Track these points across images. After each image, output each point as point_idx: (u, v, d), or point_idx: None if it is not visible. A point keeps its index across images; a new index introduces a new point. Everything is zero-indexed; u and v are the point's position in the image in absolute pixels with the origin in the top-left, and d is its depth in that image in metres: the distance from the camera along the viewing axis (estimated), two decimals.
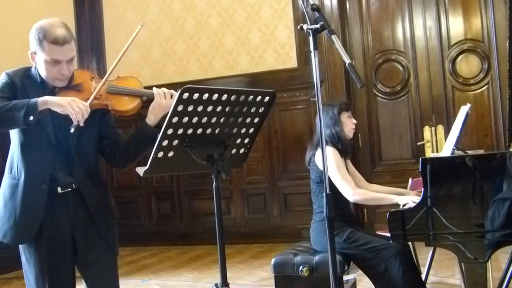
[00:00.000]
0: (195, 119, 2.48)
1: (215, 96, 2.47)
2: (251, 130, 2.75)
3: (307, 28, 2.49)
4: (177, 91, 2.46)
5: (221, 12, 8.50)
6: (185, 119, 2.46)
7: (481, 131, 7.34)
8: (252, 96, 2.62)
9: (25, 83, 2.85)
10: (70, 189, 2.85)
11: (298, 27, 2.53)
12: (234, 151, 2.75)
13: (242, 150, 2.80)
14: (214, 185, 2.58)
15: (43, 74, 2.85)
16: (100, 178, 3.05)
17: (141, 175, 2.53)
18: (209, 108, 2.49)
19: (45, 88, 2.86)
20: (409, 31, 7.72)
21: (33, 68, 2.92)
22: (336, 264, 2.45)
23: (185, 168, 2.79)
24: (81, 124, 2.68)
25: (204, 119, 2.51)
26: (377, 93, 7.88)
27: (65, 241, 2.90)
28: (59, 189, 2.84)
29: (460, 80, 7.48)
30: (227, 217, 8.24)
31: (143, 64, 8.86)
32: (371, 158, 7.90)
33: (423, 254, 5.35)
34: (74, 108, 2.65)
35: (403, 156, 7.66)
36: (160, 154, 2.48)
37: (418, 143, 7.49)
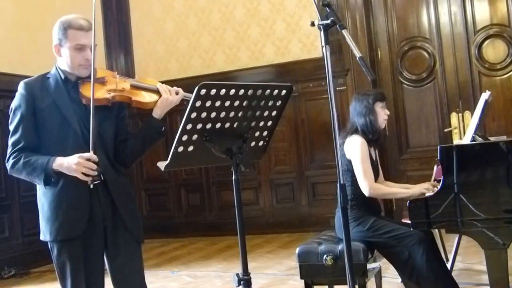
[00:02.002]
0: (213, 114, 2.54)
1: (232, 91, 2.52)
2: (270, 123, 2.79)
3: (319, 24, 2.54)
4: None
5: (245, 3, 8.55)
6: (204, 114, 2.51)
7: (509, 116, 7.29)
8: (269, 90, 2.66)
9: (46, 84, 3.01)
10: (99, 181, 2.90)
11: (310, 23, 2.58)
12: (253, 144, 2.79)
13: (261, 143, 2.84)
14: (233, 178, 2.64)
15: (67, 64, 2.99)
16: (120, 168, 3.15)
17: (162, 170, 2.60)
18: (227, 103, 2.54)
19: (68, 84, 3.01)
20: (434, 18, 7.68)
21: (53, 70, 3.06)
22: (351, 253, 2.50)
23: (205, 161, 2.85)
24: (95, 175, 2.82)
25: (222, 114, 2.57)
26: (403, 80, 7.88)
27: (98, 234, 2.98)
28: (88, 182, 2.90)
29: (486, 66, 7.44)
30: (256, 207, 8.33)
31: (170, 57, 8.96)
32: (399, 145, 7.90)
33: (451, 241, 5.36)
34: (82, 169, 2.80)
35: (430, 143, 7.61)
36: (180, 149, 2.54)
37: (445, 130, 7.47)
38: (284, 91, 2.73)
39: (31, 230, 6.88)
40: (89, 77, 2.95)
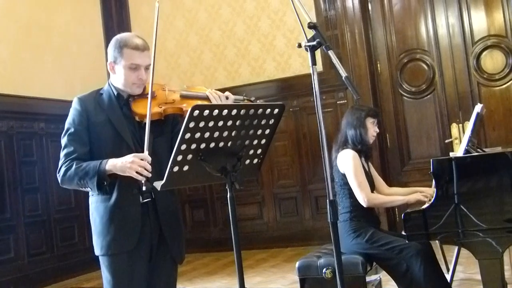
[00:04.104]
0: (207, 134, 2.58)
1: (225, 111, 2.58)
2: (263, 141, 2.84)
3: (305, 45, 2.60)
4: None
5: (245, 20, 8.64)
6: (198, 135, 2.55)
7: (509, 126, 7.35)
8: (261, 109, 2.71)
9: (99, 100, 3.09)
10: (150, 199, 2.97)
11: (297, 45, 2.64)
12: (247, 162, 2.84)
13: (255, 161, 2.89)
14: (228, 195, 2.68)
15: (121, 82, 3.07)
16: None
17: (158, 190, 2.65)
18: (220, 123, 2.59)
19: (120, 100, 3.09)
20: (432, 30, 7.77)
21: (105, 86, 3.15)
22: (342, 267, 2.55)
23: (200, 180, 2.90)
24: (149, 176, 2.84)
25: (216, 134, 2.61)
26: (403, 93, 7.95)
27: (145, 250, 3.05)
28: (140, 199, 2.97)
29: (485, 76, 7.50)
30: (260, 221, 8.38)
31: (172, 74, 9.06)
32: (400, 157, 7.96)
33: (452, 252, 5.38)
34: (137, 168, 2.82)
35: (431, 154, 7.65)
36: (176, 169, 2.59)
37: (446, 141, 7.50)
38: (276, 110, 2.78)
39: (37, 250, 6.91)
40: (140, 94, 3.06)
